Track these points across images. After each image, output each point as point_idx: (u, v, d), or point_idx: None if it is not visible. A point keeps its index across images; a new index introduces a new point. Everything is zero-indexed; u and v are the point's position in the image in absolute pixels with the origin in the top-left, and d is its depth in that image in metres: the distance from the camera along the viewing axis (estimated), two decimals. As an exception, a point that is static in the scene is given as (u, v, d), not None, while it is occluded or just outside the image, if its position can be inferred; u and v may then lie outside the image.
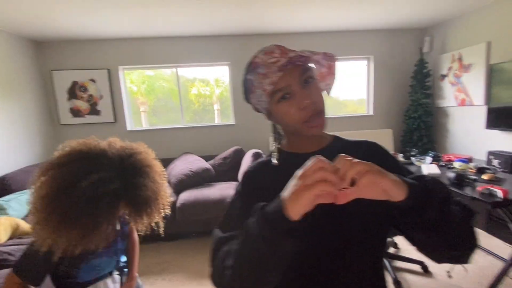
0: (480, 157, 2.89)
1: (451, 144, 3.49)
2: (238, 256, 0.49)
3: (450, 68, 3.37)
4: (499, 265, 1.91)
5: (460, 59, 3.21)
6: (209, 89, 3.99)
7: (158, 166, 0.94)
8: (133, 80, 3.83)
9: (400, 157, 2.70)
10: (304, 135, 0.62)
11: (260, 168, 0.67)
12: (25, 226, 2.06)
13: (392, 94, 3.88)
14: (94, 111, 3.49)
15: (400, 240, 2.54)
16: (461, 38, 3.21)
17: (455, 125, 3.41)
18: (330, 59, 0.58)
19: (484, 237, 2.50)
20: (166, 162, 3.27)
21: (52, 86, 3.40)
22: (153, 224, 0.93)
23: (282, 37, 3.59)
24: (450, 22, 3.34)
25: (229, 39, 3.54)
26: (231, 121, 3.78)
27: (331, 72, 0.60)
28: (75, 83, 3.43)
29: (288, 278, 0.54)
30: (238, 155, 3.24)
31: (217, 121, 3.96)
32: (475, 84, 3.04)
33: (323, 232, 0.57)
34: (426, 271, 2.07)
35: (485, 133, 2.96)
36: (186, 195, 2.65)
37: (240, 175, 2.99)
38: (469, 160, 2.57)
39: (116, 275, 1.08)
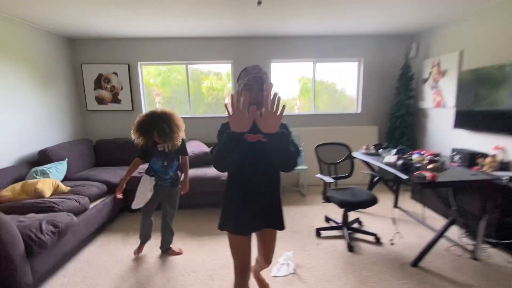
0: (448, 153, 3.27)
1: (427, 141, 3.86)
2: (220, 147, 1.15)
3: (430, 73, 3.72)
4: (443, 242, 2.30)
5: (438, 65, 3.56)
6: (221, 82, 4.37)
7: (177, 118, 2.12)
8: (150, 72, 4.38)
9: (372, 149, 3.13)
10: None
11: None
12: (63, 187, 2.67)
13: (379, 94, 4.26)
14: (115, 100, 4.09)
15: (363, 218, 2.99)
16: (441, 45, 3.55)
17: (431, 125, 3.77)
18: (271, 85, 1.13)
19: (439, 221, 2.91)
20: (174, 146, 3.83)
21: (81, 77, 4.02)
22: (176, 144, 2.13)
23: (279, 40, 4.04)
24: (434, 30, 3.67)
25: (232, 41, 4.03)
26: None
27: (268, 90, 1.08)
28: (100, 75, 4.03)
29: (235, 177, 1.30)
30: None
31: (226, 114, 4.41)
32: (448, 88, 3.40)
33: (250, 156, 1.25)
34: (378, 241, 2.52)
35: (452, 132, 3.33)
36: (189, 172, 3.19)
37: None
38: (435, 154, 2.96)
39: (153, 179, 2.19)
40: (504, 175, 2.39)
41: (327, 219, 2.96)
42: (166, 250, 2.39)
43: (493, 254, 2.24)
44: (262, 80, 1.19)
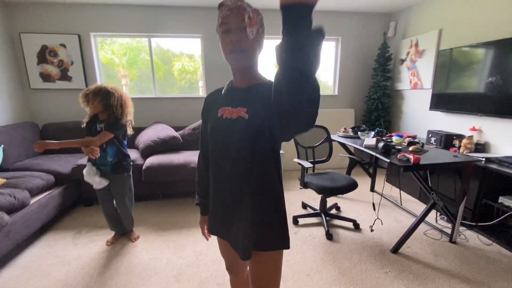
0: (424, 135, 3.23)
1: (403, 124, 3.82)
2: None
3: (408, 53, 3.62)
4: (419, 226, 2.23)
5: (416, 45, 3.46)
6: (193, 64, 3.94)
7: (122, 92, 1.97)
8: (114, 51, 3.82)
9: (350, 132, 2.98)
10: (237, 73, 0.86)
11: (214, 93, 0.98)
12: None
13: (356, 76, 4.12)
14: (65, 77, 3.52)
15: (341, 203, 2.89)
16: (419, 24, 3.44)
17: (408, 107, 3.72)
18: (256, 13, 0.78)
19: (415, 204, 2.88)
20: (137, 131, 3.42)
21: (21, 49, 3.38)
22: (128, 121, 2.01)
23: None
24: (412, 8, 3.53)
25: (202, 11, 3.60)
26: (202, 93, 3.92)
27: (252, 23, 0.75)
28: (44, 47, 3.42)
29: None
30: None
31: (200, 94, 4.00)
32: (426, 69, 3.32)
33: (223, 143, 0.86)
34: (356, 228, 2.42)
35: (428, 114, 3.28)
36: (152, 159, 2.85)
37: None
38: (412, 137, 2.89)
39: (90, 165, 2.00)
40: (480, 156, 2.35)
41: (304, 206, 2.81)
42: (124, 233, 2.29)
43: (470, 237, 2.22)
44: (242, 10, 0.75)
